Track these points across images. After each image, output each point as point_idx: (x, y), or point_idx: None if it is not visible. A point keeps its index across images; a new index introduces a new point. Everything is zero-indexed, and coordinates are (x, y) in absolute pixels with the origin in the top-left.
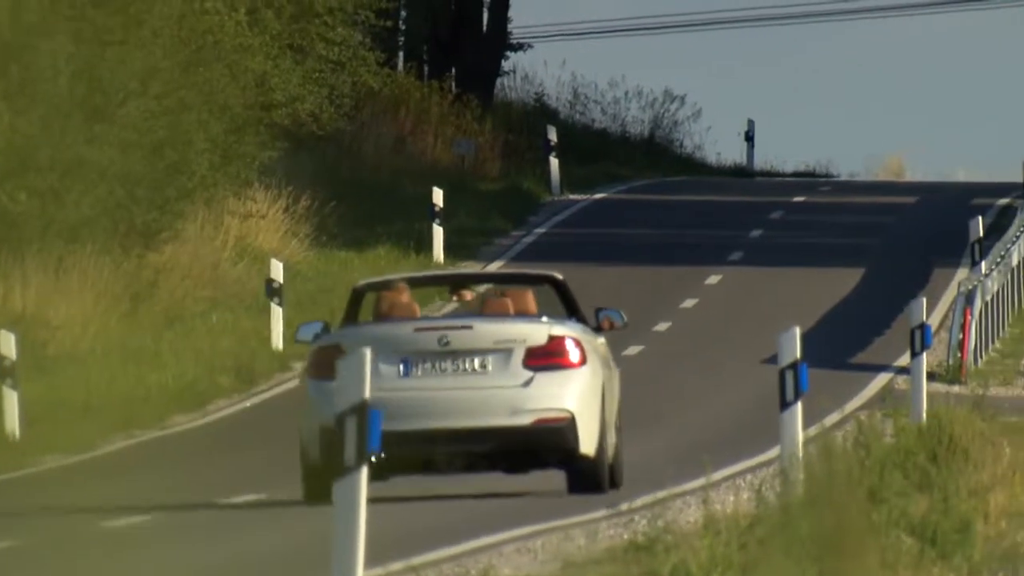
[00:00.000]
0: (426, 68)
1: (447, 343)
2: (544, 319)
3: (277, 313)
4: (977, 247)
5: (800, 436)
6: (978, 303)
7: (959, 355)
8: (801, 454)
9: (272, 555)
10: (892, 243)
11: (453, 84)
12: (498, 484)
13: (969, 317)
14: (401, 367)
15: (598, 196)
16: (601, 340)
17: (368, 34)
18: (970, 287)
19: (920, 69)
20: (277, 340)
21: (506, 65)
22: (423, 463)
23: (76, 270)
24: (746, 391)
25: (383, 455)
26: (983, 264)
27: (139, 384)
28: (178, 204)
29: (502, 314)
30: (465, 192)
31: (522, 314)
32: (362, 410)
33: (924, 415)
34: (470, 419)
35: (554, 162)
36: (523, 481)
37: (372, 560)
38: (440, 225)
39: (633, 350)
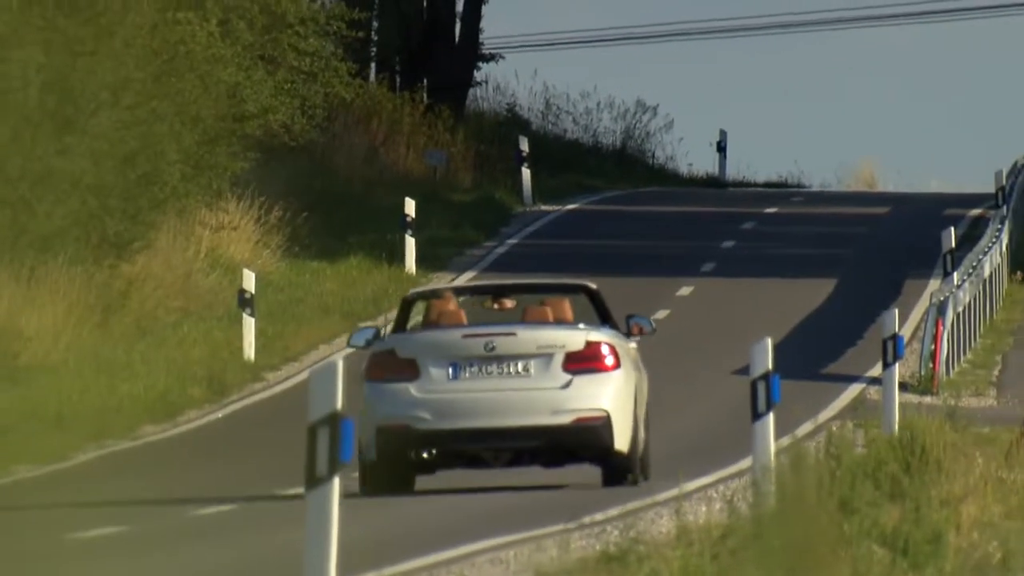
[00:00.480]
0: (398, 79)
1: (493, 348)
2: (581, 326)
3: (249, 323)
4: (949, 258)
5: (772, 447)
6: (950, 314)
7: (931, 366)
8: (773, 465)
9: (247, 563)
10: (864, 254)
11: (425, 95)
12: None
13: (941, 328)
14: (450, 370)
15: (570, 207)
16: (632, 345)
17: (340, 45)
18: (942, 298)
19: (892, 79)
20: (249, 351)
21: (478, 76)
22: (471, 458)
23: (48, 280)
24: (718, 402)
25: (434, 451)
26: (955, 275)
27: (111, 394)
28: (150, 215)
29: (543, 321)
30: (437, 203)
31: (561, 321)
32: (335, 420)
33: (896, 426)
34: (514, 418)
35: (526, 173)
36: (559, 475)
37: (344, 570)
38: (412, 236)
39: None
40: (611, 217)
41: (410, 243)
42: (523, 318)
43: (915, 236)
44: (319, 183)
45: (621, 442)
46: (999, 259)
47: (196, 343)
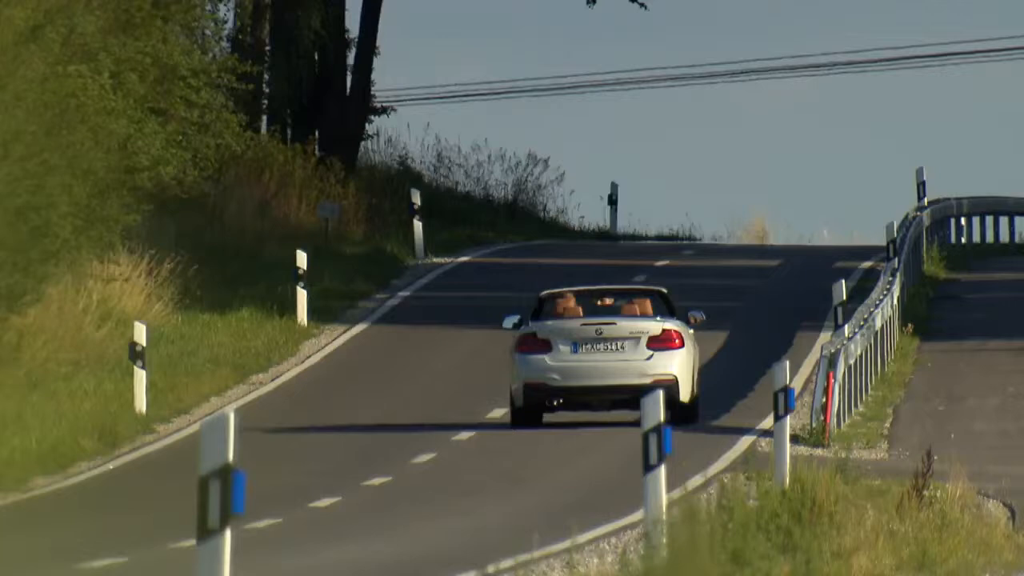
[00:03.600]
0: (289, 131)
1: (601, 333)
2: (658, 318)
3: (140, 376)
4: (840, 310)
5: (664, 499)
6: (841, 366)
7: (822, 418)
8: (665, 517)
9: None
10: (755, 306)
11: (316, 147)
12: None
13: (832, 380)
14: (572, 347)
15: (462, 259)
16: (691, 330)
17: (231, 97)
18: (833, 350)
19: (782, 132)
20: (140, 403)
21: (370, 128)
22: (585, 404)
23: None
24: (610, 454)
25: (561, 400)
26: (846, 327)
27: (1, 447)
28: (41, 268)
29: (633, 315)
30: (329, 255)
31: (644, 315)
32: (226, 473)
33: (787, 478)
34: (614, 379)
35: (418, 225)
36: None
37: None
38: (304, 288)
39: (496, 413)
40: (503, 270)
41: (302, 295)
42: (620, 312)
43: (806, 288)
44: (211, 235)
45: (684, 395)
46: (890, 311)
47: (87, 395)
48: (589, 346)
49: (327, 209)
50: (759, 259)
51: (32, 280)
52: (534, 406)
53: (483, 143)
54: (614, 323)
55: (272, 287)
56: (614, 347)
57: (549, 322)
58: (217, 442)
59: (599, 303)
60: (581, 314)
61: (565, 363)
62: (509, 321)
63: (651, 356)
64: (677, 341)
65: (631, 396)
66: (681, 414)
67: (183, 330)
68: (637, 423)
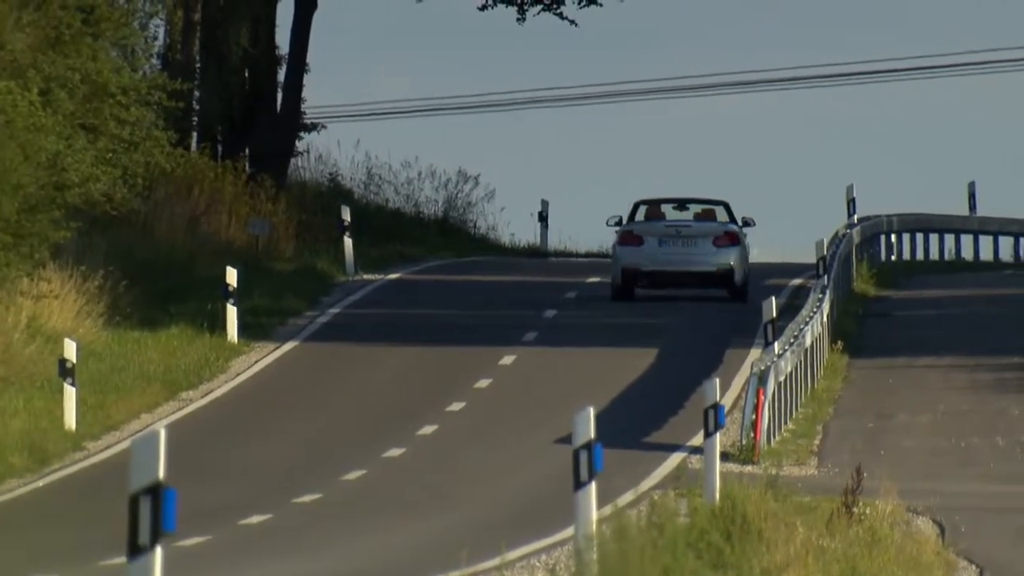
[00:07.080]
0: (220, 148)
1: (679, 232)
2: (720, 223)
3: (70, 393)
4: (770, 327)
5: (594, 516)
6: (771, 384)
7: (752, 435)
8: (595, 534)
9: None
10: (686, 323)
11: (247, 164)
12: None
13: (762, 397)
14: (658, 242)
15: (392, 276)
16: (746, 231)
17: (162, 114)
18: (763, 367)
19: (711, 149)
20: (70, 420)
21: (300, 145)
22: (668, 283)
23: None
24: (540, 471)
25: (648, 280)
26: (776, 344)
27: None
28: None
29: (704, 220)
30: (259, 272)
31: (712, 220)
32: (157, 490)
33: (717, 495)
34: (688, 267)
35: (348, 242)
36: (707, 292)
37: None
38: (234, 305)
39: (427, 430)
40: (433, 286)
41: (232, 312)
42: (694, 217)
43: (737, 306)
44: (141, 252)
45: (738, 280)
46: (820, 329)
47: (17, 413)
48: (670, 242)
49: (257, 226)
50: None
51: None
52: (629, 285)
53: (413, 160)
54: (689, 226)
55: (202, 304)
56: (689, 243)
57: (642, 223)
58: (147, 459)
59: (679, 210)
60: (665, 218)
61: (653, 254)
62: (612, 219)
63: (716, 251)
64: (735, 240)
65: (700, 280)
66: (734, 292)
67: (113, 347)
68: (705, 299)
